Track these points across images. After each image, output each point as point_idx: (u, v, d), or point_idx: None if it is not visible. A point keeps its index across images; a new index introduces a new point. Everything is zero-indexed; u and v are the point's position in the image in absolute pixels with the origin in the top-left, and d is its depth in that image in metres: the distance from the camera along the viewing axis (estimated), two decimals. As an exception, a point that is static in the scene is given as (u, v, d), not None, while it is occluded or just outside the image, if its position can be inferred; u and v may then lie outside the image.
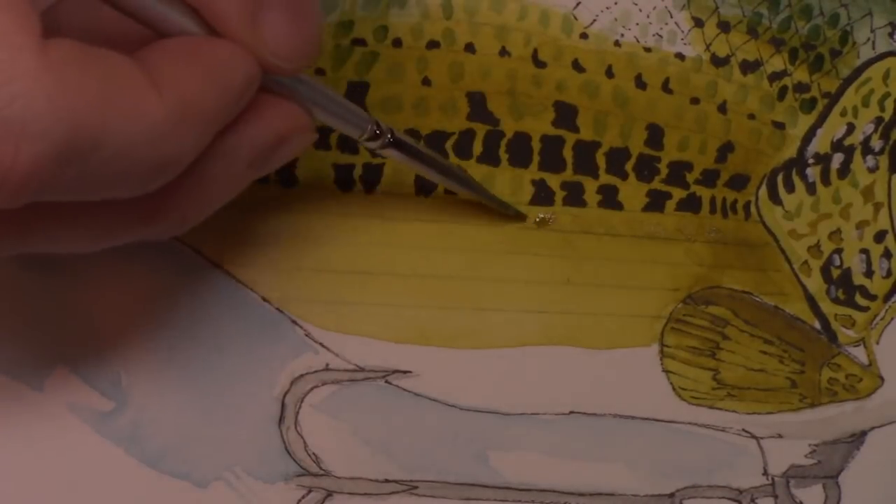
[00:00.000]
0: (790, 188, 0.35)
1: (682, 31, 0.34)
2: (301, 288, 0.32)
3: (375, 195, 0.32)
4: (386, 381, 0.32)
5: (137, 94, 0.21)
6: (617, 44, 0.34)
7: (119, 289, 0.31)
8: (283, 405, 0.31)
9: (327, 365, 0.32)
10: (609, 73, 0.33)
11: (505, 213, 0.33)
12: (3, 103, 0.19)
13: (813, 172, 0.35)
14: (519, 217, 0.33)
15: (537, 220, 0.33)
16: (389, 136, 0.29)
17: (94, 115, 0.20)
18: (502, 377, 0.33)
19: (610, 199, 0.34)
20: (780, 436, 0.34)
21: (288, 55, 0.24)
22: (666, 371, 0.34)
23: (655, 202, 0.34)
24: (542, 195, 0.33)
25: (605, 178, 0.33)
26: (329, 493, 0.31)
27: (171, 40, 0.23)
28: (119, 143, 0.21)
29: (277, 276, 0.31)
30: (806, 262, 0.35)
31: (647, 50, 0.34)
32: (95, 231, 0.24)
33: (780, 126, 0.35)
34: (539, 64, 0.33)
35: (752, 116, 0.34)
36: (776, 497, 0.34)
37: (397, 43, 0.32)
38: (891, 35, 0.35)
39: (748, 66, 0.34)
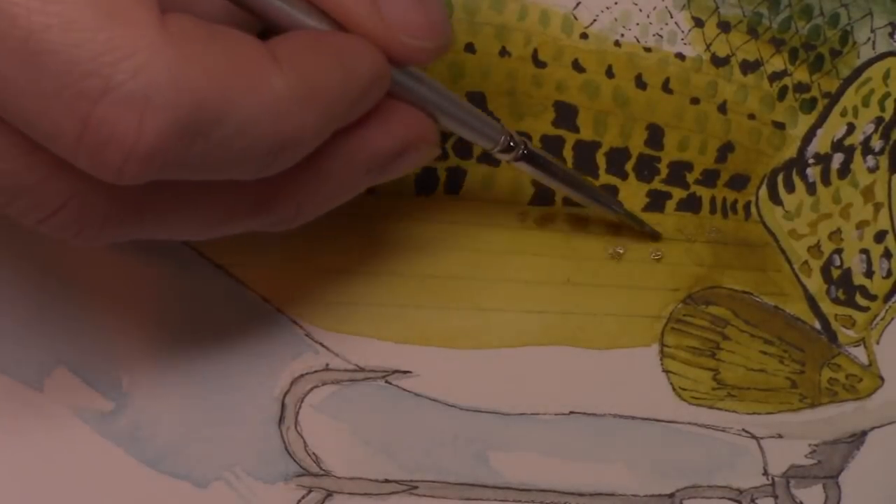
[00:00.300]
0: (790, 188, 0.35)
1: (683, 31, 0.34)
2: (301, 288, 0.32)
3: (376, 195, 0.32)
4: (386, 381, 0.32)
5: (259, 69, 0.21)
6: (617, 44, 0.34)
7: (119, 289, 0.31)
8: (283, 405, 0.31)
9: (327, 365, 0.32)
10: (609, 73, 0.33)
11: (640, 229, 0.33)
12: (126, 76, 0.19)
13: (813, 172, 0.35)
14: (654, 236, 0.33)
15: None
16: (523, 148, 0.29)
17: (215, 88, 0.20)
18: (502, 377, 0.33)
19: (610, 199, 0.34)
20: (780, 436, 0.34)
21: (417, 31, 0.24)
22: (666, 371, 0.34)
23: (655, 202, 0.34)
24: (542, 195, 0.33)
25: (605, 178, 0.33)
26: (329, 493, 0.31)
27: (296, 31, 0.23)
28: (241, 118, 0.21)
29: (277, 276, 0.31)
30: (806, 262, 0.35)
31: (648, 50, 0.34)
32: (212, 215, 0.24)
33: (780, 126, 0.35)
34: (539, 64, 0.33)
35: (752, 116, 0.34)
36: (776, 497, 0.34)
37: (397, 43, 0.32)
38: (891, 35, 0.35)
39: (748, 66, 0.34)
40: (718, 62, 0.34)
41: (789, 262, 0.35)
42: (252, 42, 0.21)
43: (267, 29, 0.24)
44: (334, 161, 0.25)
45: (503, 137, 0.28)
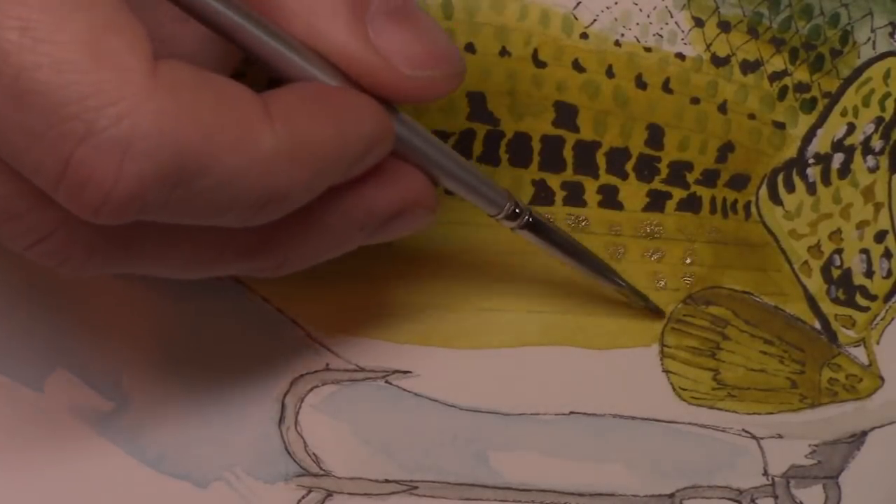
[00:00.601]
0: (790, 188, 0.35)
1: (683, 31, 0.34)
2: (301, 288, 0.32)
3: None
4: (386, 381, 0.32)
5: (248, 124, 0.21)
6: (617, 44, 0.34)
7: (120, 289, 0.31)
8: (283, 405, 0.31)
9: (327, 365, 0.32)
10: (609, 73, 0.33)
11: (644, 306, 0.33)
12: (109, 122, 0.19)
13: (813, 172, 0.35)
14: (658, 314, 0.33)
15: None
16: (528, 216, 0.28)
17: (201, 140, 0.20)
18: (502, 377, 0.33)
19: (610, 199, 0.34)
20: (780, 436, 0.34)
21: (420, 62, 0.24)
22: (666, 371, 0.34)
23: (655, 202, 0.34)
24: (542, 195, 0.33)
25: (605, 178, 0.33)
26: (329, 493, 0.31)
27: (299, 84, 0.23)
28: (225, 171, 0.21)
29: (277, 277, 0.31)
30: (806, 262, 0.35)
31: (648, 50, 0.34)
32: (198, 258, 0.24)
33: (780, 126, 0.35)
34: (539, 64, 0.33)
35: (752, 116, 0.34)
36: (776, 497, 0.34)
37: (397, 43, 0.32)
38: (891, 35, 0.35)
39: (748, 66, 0.34)
40: (718, 62, 0.34)
41: (789, 262, 0.35)
42: (245, 95, 0.21)
43: (265, 70, 0.23)
44: (327, 215, 0.25)
45: (508, 204, 0.28)
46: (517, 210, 0.28)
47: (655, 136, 0.34)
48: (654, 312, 0.33)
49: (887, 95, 0.35)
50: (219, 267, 0.25)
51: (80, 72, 0.19)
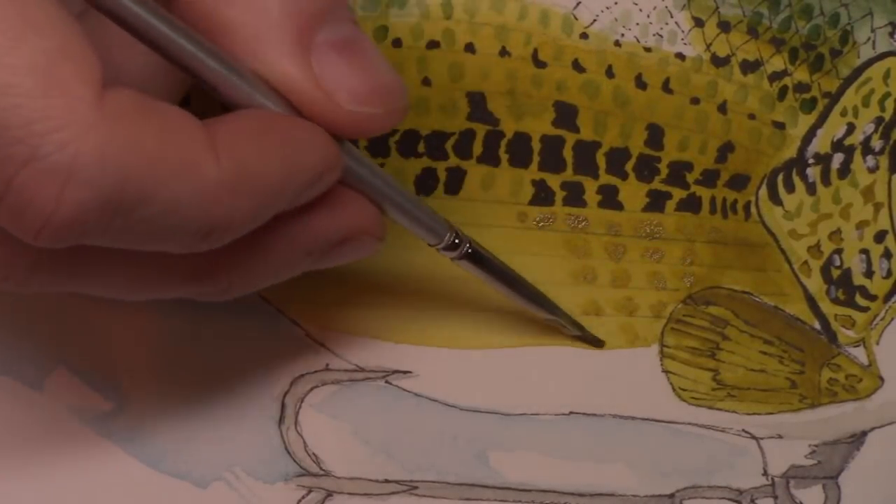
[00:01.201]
0: (790, 188, 0.35)
1: (683, 31, 0.34)
2: (301, 288, 0.32)
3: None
4: (386, 381, 0.32)
5: (192, 154, 0.21)
6: (617, 44, 0.34)
7: (119, 289, 0.31)
8: (283, 405, 0.31)
9: (327, 365, 0.32)
10: (609, 73, 0.33)
11: (581, 337, 0.33)
12: (53, 148, 0.19)
13: (813, 172, 0.35)
14: (597, 343, 0.33)
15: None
16: (468, 246, 0.28)
17: (143, 170, 0.20)
18: (502, 377, 0.33)
19: (610, 199, 0.34)
20: (780, 436, 0.34)
21: (363, 98, 0.24)
22: (666, 371, 0.34)
23: (655, 202, 0.34)
24: (542, 195, 0.33)
25: (605, 178, 0.33)
26: (329, 493, 0.31)
27: (247, 112, 0.23)
28: (167, 201, 0.21)
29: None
30: (806, 262, 0.35)
31: (648, 50, 0.34)
32: (141, 281, 0.24)
33: (780, 126, 0.35)
34: (539, 64, 0.33)
35: (752, 116, 0.34)
36: (776, 497, 0.34)
37: (397, 43, 0.32)
38: (891, 35, 0.35)
39: (748, 66, 0.34)
40: (718, 62, 0.34)
41: (789, 262, 0.35)
42: (190, 125, 0.21)
43: (213, 96, 0.23)
44: (273, 242, 0.24)
45: (448, 234, 0.28)
46: (457, 241, 0.28)
47: (655, 136, 0.34)
48: (592, 343, 0.33)
49: (887, 95, 0.35)
50: (164, 290, 0.25)
51: (27, 96, 0.19)
